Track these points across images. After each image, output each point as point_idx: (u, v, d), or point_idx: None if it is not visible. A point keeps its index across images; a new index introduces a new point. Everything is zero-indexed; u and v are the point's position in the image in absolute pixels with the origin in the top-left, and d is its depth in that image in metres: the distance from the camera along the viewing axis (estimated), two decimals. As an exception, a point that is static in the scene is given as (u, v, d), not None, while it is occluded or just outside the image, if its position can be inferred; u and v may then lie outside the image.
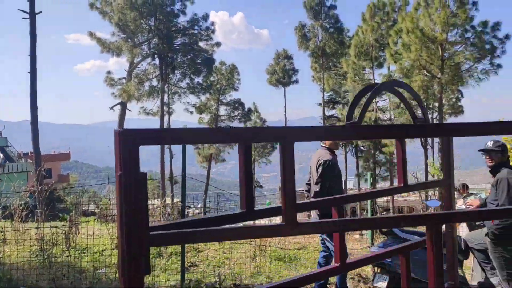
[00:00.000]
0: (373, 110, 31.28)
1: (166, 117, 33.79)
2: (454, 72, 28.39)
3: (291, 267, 6.06)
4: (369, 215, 5.42)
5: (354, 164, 38.43)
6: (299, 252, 7.01)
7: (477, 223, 4.63)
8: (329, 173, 4.47)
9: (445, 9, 27.28)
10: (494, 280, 4.42)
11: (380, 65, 32.57)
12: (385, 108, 31.93)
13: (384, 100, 32.47)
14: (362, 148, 37.68)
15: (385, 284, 4.12)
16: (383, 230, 4.54)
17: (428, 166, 28.73)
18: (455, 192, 11.60)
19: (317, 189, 4.58)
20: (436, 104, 35.53)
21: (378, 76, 31.64)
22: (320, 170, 4.59)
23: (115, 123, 35.25)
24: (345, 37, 36.97)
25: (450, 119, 35.18)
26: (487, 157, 4.25)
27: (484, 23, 28.20)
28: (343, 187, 35.42)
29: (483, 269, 4.48)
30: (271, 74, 41.74)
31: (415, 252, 4.50)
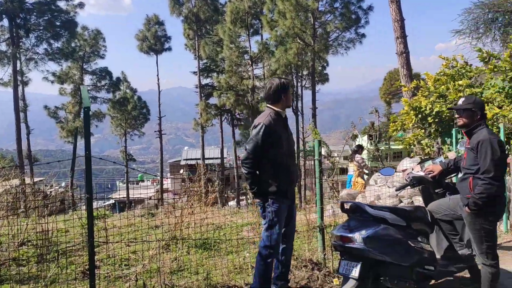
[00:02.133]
0: (250, 78, 31.19)
1: (20, 88, 29.29)
2: (326, 40, 29.56)
3: (215, 254, 5.17)
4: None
5: (231, 133, 38.42)
6: (217, 235, 6.14)
7: (436, 191, 4.25)
8: (262, 139, 3.66)
9: (316, -22, 27.94)
10: (463, 253, 4.11)
11: (256, 32, 32.43)
12: (261, 76, 32.02)
13: (259, 68, 32.59)
14: (238, 116, 37.71)
15: (357, 271, 3.49)
16: (345, 207, 3.89)
17: (307, 131, 29.88)
18: (360, 158, 11.82)
19: (242, 159, 3.78)
20: (305, 73, 36.95)
21: (254, 43, 31.47)
22: (251, 135, 3.74)
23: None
24: (219, 3, 35.99)
25: (318, 86, 37.07)
26: (458, 116, 3.80)
27: (350, -6, 29.64)
28: (224, 155, 34.84)
29: (449, 241, 4.14)
30: (142, 41, 38.96)
31: (382, 229, 3.99)
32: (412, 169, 4.50)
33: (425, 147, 9.72)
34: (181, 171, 50.44)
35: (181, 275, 4.48)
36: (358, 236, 3.54)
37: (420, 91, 10.13)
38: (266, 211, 3.78)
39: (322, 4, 29.34)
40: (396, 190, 4.52)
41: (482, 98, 9.07)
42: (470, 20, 13.15)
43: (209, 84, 38.55)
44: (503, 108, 8.40)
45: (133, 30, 49.07)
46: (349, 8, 29.19)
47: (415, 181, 4.30)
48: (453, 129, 9.22)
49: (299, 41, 28.43)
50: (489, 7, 12.55)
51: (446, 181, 4.45)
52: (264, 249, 3.75)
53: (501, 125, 7.25)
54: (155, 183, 54.61)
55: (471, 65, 9.98)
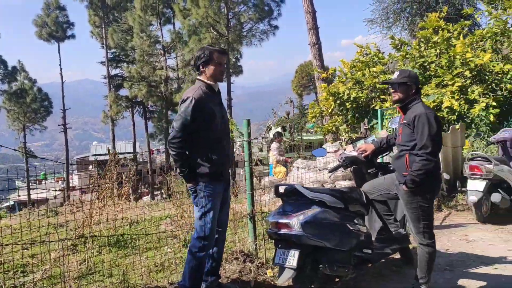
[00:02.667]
0: (162, 68, 30.02)
1: None
2: (239, 31, 29.34)
3: (131, 252, 4.57)
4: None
5: (144, 126, 36.79)
6: (133, 230, 5.52)
7: (369, 171, 4.06)
8: (191, 115, 3.21)
9: (229, -33, 27.53)
10: (398, 233, 3.95)
11: (169, 21, 31.26)
12: (175, 67, 31.01)
13: (172, 58, 31.53)
14: (151, 108, 36.22)
15: (294, 260, 3.14)
16: (280, 191, 3.53)
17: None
18: (276, 146, 11.63)
19: (169, 138, 3.30)
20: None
21: (167, 32, 30.33)
22: (179, 111, 3.30)
23: None
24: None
25: (232, 78, 36.88)
26: (393, 91, 3.60)
27: (263, -14, 29.68)
28: (137, 148, 33.11)
29: (384, 222, 3.96)
30: (41, 27, 35.74)
31: (321, 212, 3.68)
32: (345, 150, 4.29)
33: (344, 133, 9.85)
34: (90, 167, 47.55)
35: (91, 279, 3.85)
36: (296, 222, 3.21)
37: (337, 77, 10.23)
38: (198, 197, 3.30)
39: (235, -6, 29.05)
40: (329, 172, 4.29)
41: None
42: (381, 10, 13.67)
43: (119, 74, 36.56)
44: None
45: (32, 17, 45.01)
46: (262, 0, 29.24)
47: (348, 162, 4.09)
48: (369, 114, 9.44)
49: (212, 31, 27.87)
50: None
51: (378, 160, 4.31)
52: (197, 241, 3.26)
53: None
54: (60, 181, 50.90)
55: (383, 52, 10.28)
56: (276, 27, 30.72)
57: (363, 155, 4.07)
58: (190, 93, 3.29)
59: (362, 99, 9.08)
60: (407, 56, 8.99)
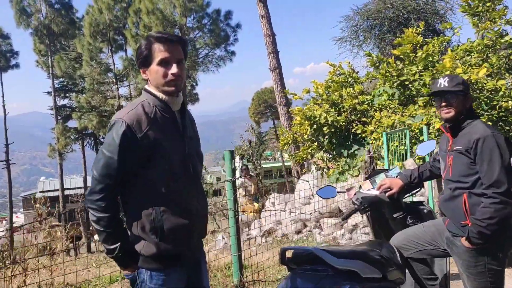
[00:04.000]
0: (115, 97, 28.36)
1: None
2: (195, 57, 28.37)
3: None
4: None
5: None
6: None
7: (395, 216, 2.98)
8: (121, 152, 1.89)
9: (183, -8, 26.72)
10: None
11: (121, 48, 29.81)
12: (128, 96, 29.44)
13: (125, 86, 29.98)
14: (102, 139, 34.13)
15: None
16: (287, 256, 2.34)
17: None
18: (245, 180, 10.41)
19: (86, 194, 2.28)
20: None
21: (119, 59, 28.84)
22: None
23: None
24: (75, 17, 32.47)
25: (188, 107, 35.63)
26: (444, 104, 2.55)
27: (218, 11, 29.09)
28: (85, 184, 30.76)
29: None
30: (-19, 56, 33.27)
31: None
32: (361, 187, 3.20)
33: (320, 160, 8.86)
34: (37, 205, 44.24)
35: None
36: None
37: (311, 99, 9.27)
38: None
39: (190, 20, 28.17)
40: (343, 220, 3.17)
41: (374, 107, 8.52)
42: (350, 28, 13.03)
43: (67, 105, 34.45)
44: (398, 115, 7.88)
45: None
46: (218, 25, 28.52)
47: (367, 204, 3.01)
48: (349, 139, 8.50)
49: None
50: (367, 14, 12.55)
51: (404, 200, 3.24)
52: None
53: (407, 132, 6.56)
54: (4, 221, 47.13)
55: (357, 72, 9.50)
56: (233, 53, 30.05)
57: (387, 194, 2.99)
58: (121, 113, 1.96)
59: (341, 123, 8.16)
60: (387, 74, 8.20)
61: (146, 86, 2.09)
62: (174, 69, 1.96)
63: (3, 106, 35.52)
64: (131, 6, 27.57)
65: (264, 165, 48.43)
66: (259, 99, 52.21)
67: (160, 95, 2.01)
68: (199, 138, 2.30)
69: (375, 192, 3.03)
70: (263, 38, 18.63)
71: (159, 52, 1.96)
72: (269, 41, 19.23)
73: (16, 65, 35.20)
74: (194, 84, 37.36)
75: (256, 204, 9.00)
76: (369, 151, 6.12)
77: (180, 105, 2.10)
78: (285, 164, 39.22)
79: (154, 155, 1.94)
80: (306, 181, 7.77)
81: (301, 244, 6.64)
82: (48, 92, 33.51)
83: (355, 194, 3.10)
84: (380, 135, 7.06)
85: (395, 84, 8.35)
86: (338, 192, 3.21)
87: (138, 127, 1.89)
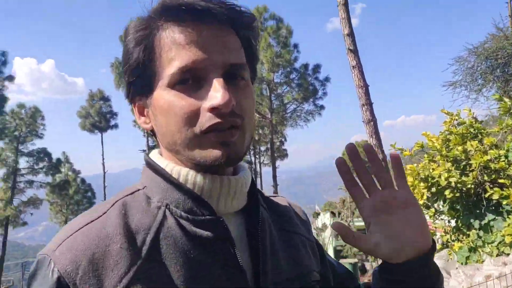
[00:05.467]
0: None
1: None
2: (283, 112, 27.79)
3: None
4: None
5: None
6: None
7: None
8: None
9: (271, 48, 26.73)
10: None
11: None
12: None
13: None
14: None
15: None
16: None
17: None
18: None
19: None
20: (263, 148, 35.04)
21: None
22: None
23: None
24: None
25: (277, 163, 34.81)
26: None
27: (305, 66, 28.62)
28: None
29: None
30: (85, 118, 35.89)
31: None
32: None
33: (442, 230, 7.04)
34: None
35: None
36: None
37: (426, 155, 7.59)
38: None
39: (278, 75, 27.88)
40: None
41: (509, 162, 6.64)
42: (465, 70, 11.21)
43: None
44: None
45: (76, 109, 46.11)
46: (306, 79, 27.88)
47: None
48: (482, 207, 6.64)
49: (256, 114, 26.41)
50: (486, 54, 10.70)
51: None
52: None
53: None
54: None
55: (481, 121, 7.70)
56: (322, 107, 28.99)
57: None
58: (55, 242, 0.70)
59: (468, 185, 6.40)
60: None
61: (153, 154, 0.84)
62: (217, 92, 0.69)
63: (103, 164, 37.61)
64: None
65: (356, 223, 45.52)
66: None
67: (184, 173, 0.75)
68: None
69: None
70: (355, 89, 17.45)
71: (175, 49, 0.71)
72: (361, 92, 17.85)
73: (116, 125, 37.44)
74: (283, 140, 36.89)
75: None
76: None
77: (243, 196, 0.80)
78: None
79: None
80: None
81: None
82: (143, 150, 34.88)
83: None
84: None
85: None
86: None
87: (87, 278, 0.65)
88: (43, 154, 35.75)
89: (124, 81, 0.79)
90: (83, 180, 39.06)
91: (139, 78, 0.76)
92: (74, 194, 37.91)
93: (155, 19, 0.73)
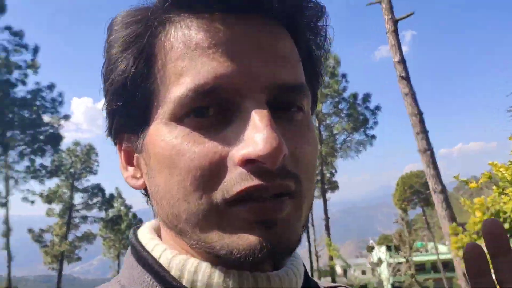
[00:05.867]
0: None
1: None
2: (333, 143, 27.32)
3: None
4: None
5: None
6: None
7: None
8: None
9: (318, 79, 26.67)
10: None
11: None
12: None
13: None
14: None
15: None
16: None
17: (319, 244, 26.21)
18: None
19: None
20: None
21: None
22: None
23: None
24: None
25: (328, 195, 34.02)
26: None
27: (354, 95, 28.18)
28: None
29: None
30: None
31: None
32: None
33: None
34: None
35: None
36: None
37: (494, 187, 6.97)
38: None
39: (326, 106, 27.59)
40: None
41: None
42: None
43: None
44: None
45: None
46: (356, 109, 27.39)
47: None
48: None
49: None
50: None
51: None
52: None
53: None
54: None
55: (556, 148, 7.01)
56: (373, 137, 28.24)
57: None
58: None
59: (547, 221, 5.75)
60: None
61: (144, 230, 0.53)
62: (258, 133, 0.40)
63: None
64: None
65: (415, 258, 43.10)
66: (405, 185, 48.32)
67: (191, 268, 0.45)
68: None
69: None
70: (407, 117, 16.86)
71: (189, 57, 0.43)
72: (416, 120, 17.18)
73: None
74: (333, 171, 36.13)
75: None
76: None
77: None
78: (440, 257, 34.27)
79: None
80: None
81: None
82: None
83: None
84: None
85: None
86: None
87: None
88: (97, 189, 37.08)
89: (104, 107, 0.50)
90: (134, 215, 39.98)
91: (126, 103, 0.47)
92: (126, 229, 38.77)
93: (158, 8, 0.45)
